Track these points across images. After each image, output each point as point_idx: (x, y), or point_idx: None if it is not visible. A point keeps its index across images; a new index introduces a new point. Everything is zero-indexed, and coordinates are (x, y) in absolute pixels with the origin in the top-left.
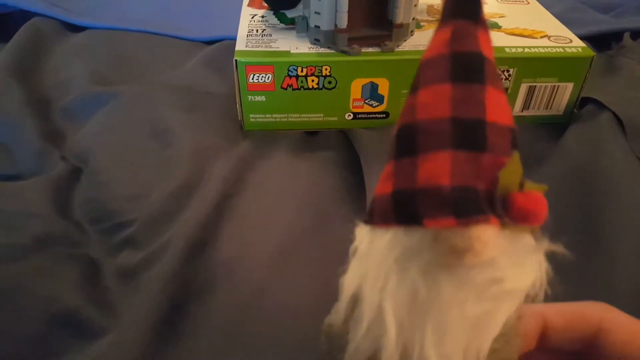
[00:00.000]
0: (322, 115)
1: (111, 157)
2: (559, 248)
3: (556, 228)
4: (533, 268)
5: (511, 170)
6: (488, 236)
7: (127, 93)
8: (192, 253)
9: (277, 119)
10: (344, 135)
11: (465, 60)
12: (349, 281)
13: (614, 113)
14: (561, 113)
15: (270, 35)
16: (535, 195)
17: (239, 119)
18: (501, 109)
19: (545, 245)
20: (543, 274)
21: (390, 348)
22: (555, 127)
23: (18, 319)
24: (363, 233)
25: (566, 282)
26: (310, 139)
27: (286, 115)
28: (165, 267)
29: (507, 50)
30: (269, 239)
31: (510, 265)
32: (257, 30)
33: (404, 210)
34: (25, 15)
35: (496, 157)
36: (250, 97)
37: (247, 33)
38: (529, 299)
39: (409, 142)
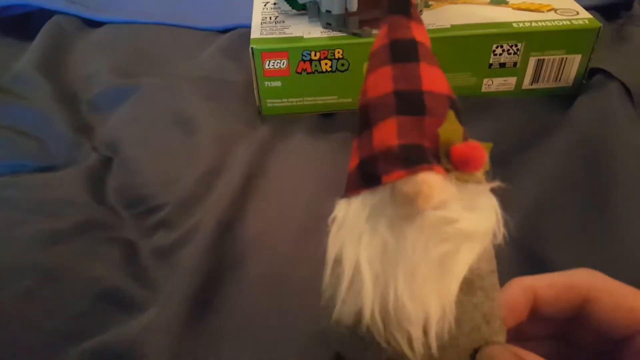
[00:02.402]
0: (336, 97)
1: (139, 146)
2: (499, 184)
3: (567, 196)
4: (487, 212)
5: (449, 127)
6: (433, 180)
7: (149, 85)
8: (222, 231)
9: (293, 103)
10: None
11: (400, 45)
12: (331, 246)
13: (622, 83)
14: (570, 84)
15: (283, 21)
16: (472, 143)
17: (257, 104)
18: (436, 80)
19: (494, 185)
20: (499, 216)
21: (369, 298)
22: (564, 98)
23: (65, 297)
24: (341, 204)
25: (577, 248)
26: (326, 120)
27: (302, 99)
28: (198, 245)
29: (514, 25)
30: (293, 215)
31: (463, 208)
32: (270, 18)
33: (367, 174)
34: (45, 13)
35: (436, 118)
36: (266, 83)
37: (261, 21)
38: (490, 244)
39: (365, 118)
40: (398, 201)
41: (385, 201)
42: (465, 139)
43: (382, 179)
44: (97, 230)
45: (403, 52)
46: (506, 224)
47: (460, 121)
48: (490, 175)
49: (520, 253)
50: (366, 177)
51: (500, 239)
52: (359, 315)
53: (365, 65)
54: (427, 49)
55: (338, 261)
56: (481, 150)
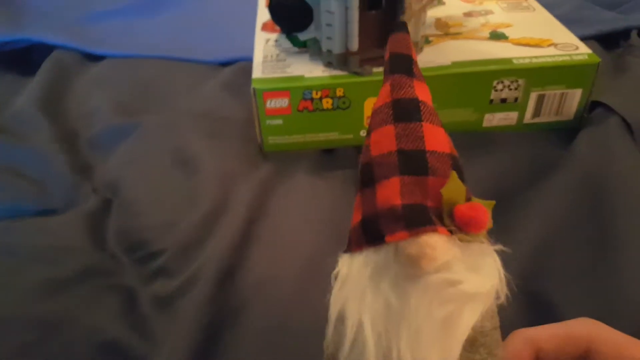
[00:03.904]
0: (337, 133)
1: (140, 187)
2: (507, 250)
3: (570, 234)
4: (490, 272)
5: (452, 187)
6: (436, 242)
7: (150, 122)
8: (223, 279)
9: (294, 140)
10: (359, 151)
11: (403, 104)
12: (334, 303)
13: (623, 117)
14: (571, 118)
15: (285, 60)
16: (475, 204)
17: (259, 141)
18: (439, 140)
19: (496, 247)
20: (501, 276)
21: (371, 356)
22: (566, 131)
23: (65, 350)
24: (344, 260)
25: (580, 288)
26: (327, 157)
27: (303, 135)
28: (199, 294)
29: (514, 61)
30: (296, 260)
31: (466, 269)
32: (271, 56)
33: (370, 231)
34: (46, 48)
35: (439, 178)
36: (268, 121)
37: (262, 59)
38: (493, 301)
39: (368, 175)
40: (401, 261)
41: (388, 260)
42: (468, 198)
43: (385, 239)
44: (98, 277)
45: (406, 111)
46: (509, 283)
47: (463, 180)
48: (493, 214)
49: (523, 293)
50: (369, 235)
51: (503, 298)
52: None
53: (366, 103)
54: (429, 108)
55: (341, 318)
56: (484, 212)
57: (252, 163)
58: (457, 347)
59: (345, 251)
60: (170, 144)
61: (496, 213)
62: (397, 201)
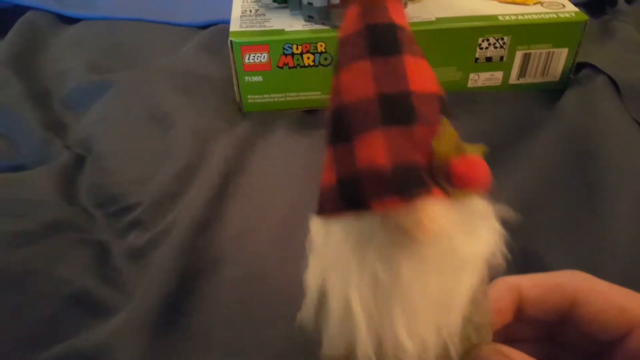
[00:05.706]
0: (319, 92)
1: (113, 143)
2: (505, 210)
3: (556, 190)
4: (487, 233)
5: (445, 138)
6: (434, 210)
7: (124, 80)
8: (198, 230)
9: (275, 99)
10: None
11: (379, 32)
12: (312, 277)
13: (609, 76)
14: (557, 79)
15: (264, 15)
16: (474, 160)
17: (237, 100)
18: (424, 76)
19: (494, 207)
20: (497, 237)
21: (363, 338)
22: (552, 93)
23: (33, 301)
24: (317, 226)
25: (566, 241)
26: (309, 117)
27: (284, 94)
28: (172, 244)
29: (500, 18)
30: (273, 214)
31: (463, 233)
32: (250, 11)
33: (350, 196)
34: (19, 10)
35: (427, 127)
36: (247, 77)
37: (240, 14)
38: (489, 264)
39: (342, 126)
40: (391, 230)
41: (373, 229)
42: (458, 145)
43: (371, 206)
44: (68, 231)
45: (383, 41)
46: (507, 243)
47: (451, 121)
48: None
49: (509, 248)
50: (348, 200)
51: (500, 258)
52: (349, 346)
53: None
54: (408, 35)
55: (322, 293)
56: (485, 168)
57: (231, 121)
58: (457, 320)
59: (317, 214)
60: (146, 100)
61: None
62: (384, 161)
